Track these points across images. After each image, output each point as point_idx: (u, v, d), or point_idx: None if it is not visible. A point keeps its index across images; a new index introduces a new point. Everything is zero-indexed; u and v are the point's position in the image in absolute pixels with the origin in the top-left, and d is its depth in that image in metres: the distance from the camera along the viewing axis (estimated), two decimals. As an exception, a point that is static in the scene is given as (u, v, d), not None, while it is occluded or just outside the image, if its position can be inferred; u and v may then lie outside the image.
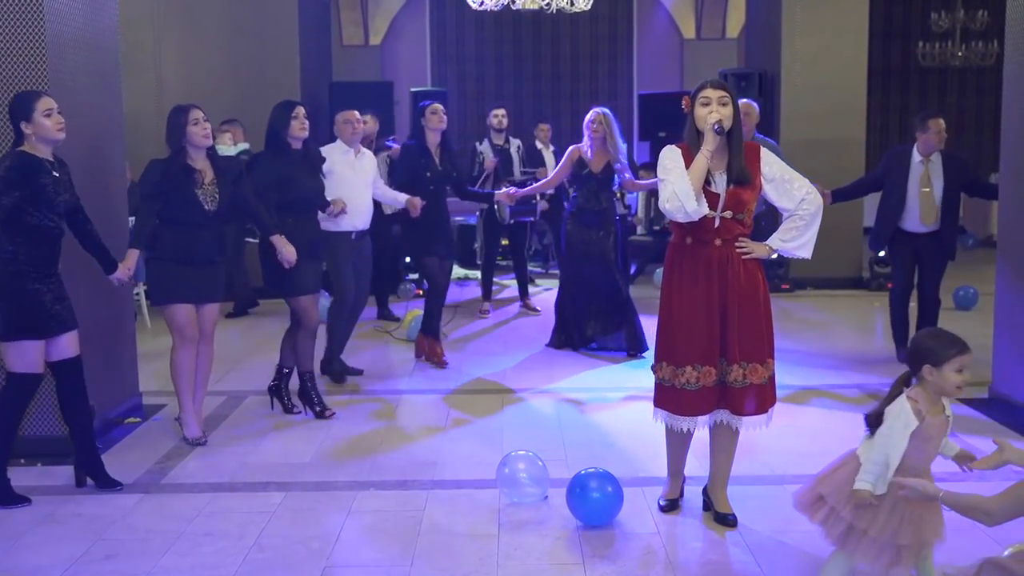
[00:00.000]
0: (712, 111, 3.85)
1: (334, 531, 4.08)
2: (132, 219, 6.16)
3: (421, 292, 9.86)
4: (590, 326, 7.29)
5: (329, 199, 5.90)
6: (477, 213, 9.57)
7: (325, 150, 6.10)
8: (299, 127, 5.59)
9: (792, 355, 7.18)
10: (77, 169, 4.83)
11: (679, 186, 3.80)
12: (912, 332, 6.62)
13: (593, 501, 4.06)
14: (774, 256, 4.10)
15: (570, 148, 7.14)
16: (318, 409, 5.72)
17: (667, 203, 3.84)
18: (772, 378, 4.06)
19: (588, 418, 5.72)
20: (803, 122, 10.09)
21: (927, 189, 6.57)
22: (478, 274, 9.92)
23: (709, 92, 3.90)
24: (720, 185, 3.90)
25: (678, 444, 4.17)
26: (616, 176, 7.08)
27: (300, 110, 5.64)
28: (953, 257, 6.81)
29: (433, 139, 6.76)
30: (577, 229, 7.12)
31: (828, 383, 6.46)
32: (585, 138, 7.05)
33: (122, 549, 3.92)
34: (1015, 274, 5.72)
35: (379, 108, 9.00)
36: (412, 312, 7.93)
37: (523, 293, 9.22)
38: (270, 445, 5.27)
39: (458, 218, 11.36)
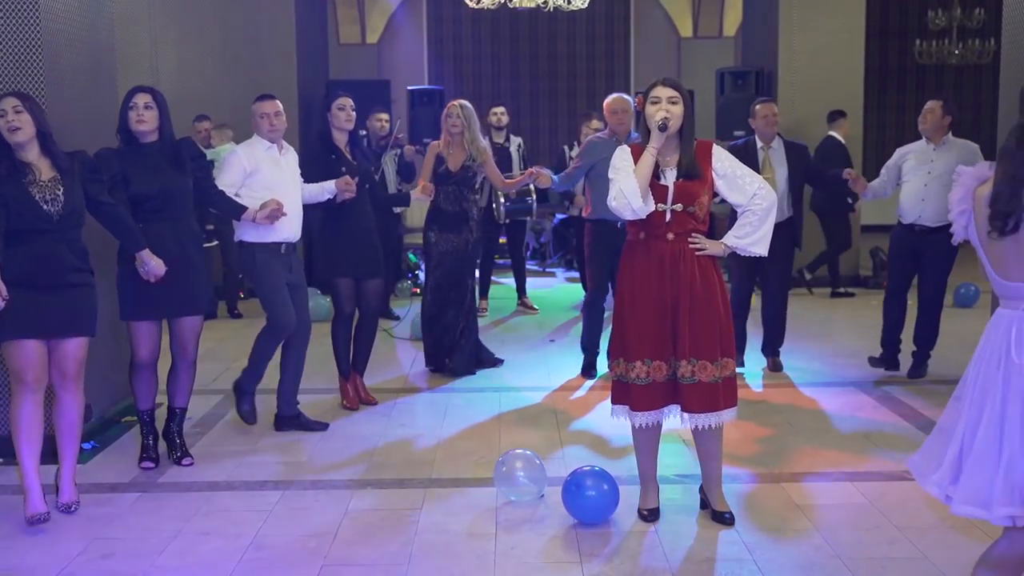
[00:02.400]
0: (660, 109, 3.89)
1: (331, 530, 4.08)
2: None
3: (418, 291, 9.88)
4: (434, 347, 6.74)
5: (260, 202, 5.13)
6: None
7: (241, 148, 5.35)
8: (136, 118, 4.64)
9: (789, 353, 7.19)
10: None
11: (625, 184, 3.85)
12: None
13: (589, 499, 4.06)
14: (727, 253, 4.07)
15: (431, 144, 6.71)
16: (178, 455, 4.93)
17: (614, 201, 3.90)
18: (730, 379, 4.02)
19: (585, 417, 5.72)
20: (800, 120, 10.10)
21: (769, 176, 6.40)
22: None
23: (660, 91, 3.94)
24: (669, 179, 3.93)
25: (644, 447, 4.13)
26: (477, 176, 6.59)
27: (140, 98, 4.67)
28: (800, 247, 6.74)
29: (340, 138, 5.85)
30: (435, 233, 6.59)
31: (826, 381, 6.47)
32: (443, 133, 6.62)
33: (119, 548, 3.92)
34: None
35: (376, 107, 8.99)
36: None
37: (521, 291, 9.23)
38: (267, 444, 5.27)
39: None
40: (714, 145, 4.06)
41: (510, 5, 10.54)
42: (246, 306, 8.85)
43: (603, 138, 6.50)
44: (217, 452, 5.13)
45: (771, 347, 6.81)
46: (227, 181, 5.22)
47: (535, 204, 8.69)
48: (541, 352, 7.39)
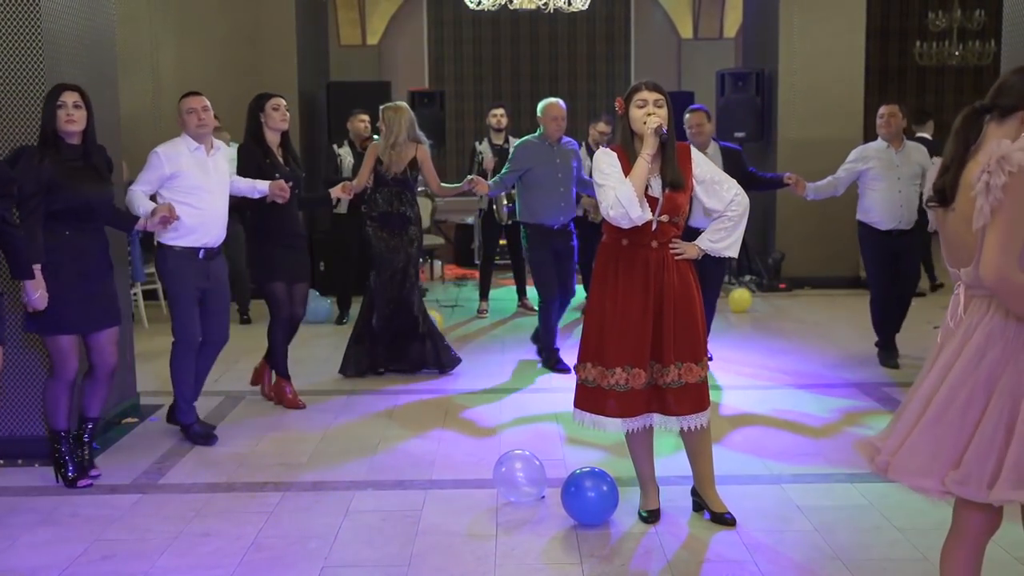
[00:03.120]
0: (649, 113, 3.86)
1: (332, 531, 4.08)
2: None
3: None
4: (388, 347, 6.69)
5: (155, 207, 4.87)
6: (476, 213, 9.57)
7: (163, 148, 5.07)
8: (65, 117, 4.43)
9: (789, 354, 7.20)
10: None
11: (622, 192, 3.80)
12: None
13: (588, 500, 4.06)
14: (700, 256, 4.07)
15: (371, 144, 6.61)
16: (71, 475, 4.60)
17: (611, 210, 3.83)
18: (705, 381, 4.03)
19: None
20: (800, 122, 10.11)
21: None
22: (476, 273, 9.93)
23: (645, 94, 3.90)
24: (657, 189, 3.91)
25: (638, 449, 4.13)
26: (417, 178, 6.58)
27: (68, 96, 4.45)
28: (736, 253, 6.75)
29: (273, 139, 5.76)
30: (377, 235, 6.52)
31: (825, 382, 6.47)
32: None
33: (120, 549, 3.92)
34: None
35: (377, 109, 8.97)
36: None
37: (521, 292, 9.23)
38: (268, 445, 5.27)
39: (455, 218, 11.40)
40: (691, 149, 4.05)
41: (510, 7, 10.54)
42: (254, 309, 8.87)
43: (535, 142, 6.72)
44: (217, 453, 5.13)
45: None
46: (143, 180, 5.02)
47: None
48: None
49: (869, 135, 7.63)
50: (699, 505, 4.18)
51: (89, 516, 4.27)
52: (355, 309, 8.75)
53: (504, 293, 9.87)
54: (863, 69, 10.34)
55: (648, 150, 3.84)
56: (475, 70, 14.95)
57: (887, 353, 6.89)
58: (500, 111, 9.15)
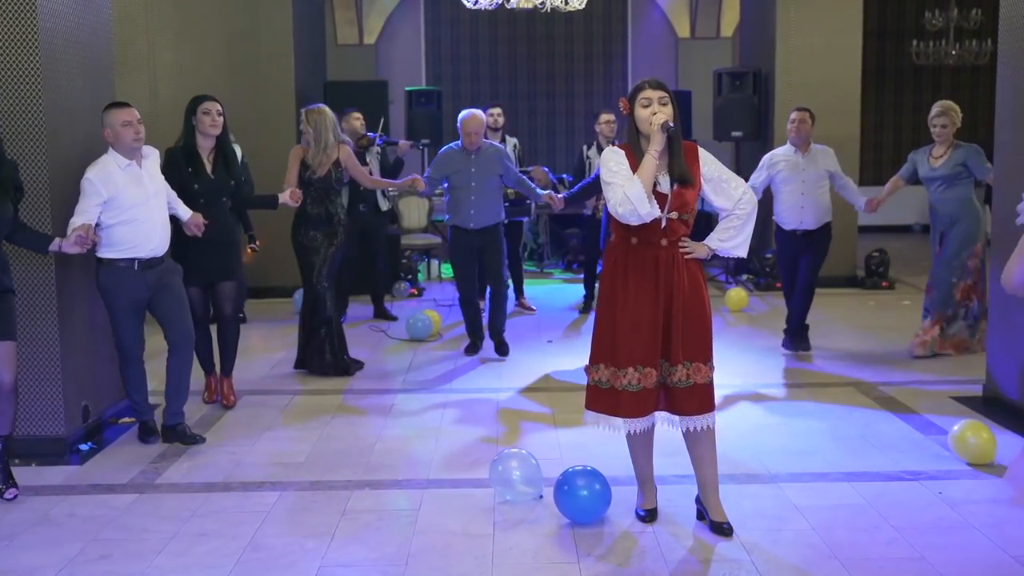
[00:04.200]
0: (654, 112, 3.85)
1: (329, 531, 4.08)
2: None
3: (416, 291, 9.89)
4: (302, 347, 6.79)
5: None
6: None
7: (94, 173, 4.82)
8: None
9: (787, 354, 7.20)
10: (70, 170, 4.82)
11: (631, 189, 3.79)
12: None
13: (581, 499, 4.06)
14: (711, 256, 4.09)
15: (295, 148, 6.59)
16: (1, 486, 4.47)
17: (620, 207, 3.81)
18: (712, 382, 4.00)
19: (583, 416, 5.70)
20: (798, 121, 10.09)
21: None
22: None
23: (649, 93, 3.89)
24: (665, 186, 3.89)
25: (639, 449, 4.11)
26: (343, 179, 6.60)
27: None
28: None
29: (205, 143, 5.68)
30: (304, 237, 6.56)
31: (823, 382, 6.47)
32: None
33: (117, 549, 3.92)
34: (1009, 272, 5.72)
35: (374, 108, 8.98)
36: (428, 314, 7.96)
37: (518, 292, 9.23)
38: (265, 445, 5.27)
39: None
40: (698, 147, 4.03)
41: (507, 6, 10.53)
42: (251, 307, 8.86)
43: (454, 150, 7.06)
44: (214, 453, 5.12)
45: None
46: (81, 211, 4.75)
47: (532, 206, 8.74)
48: (539, 352, 7.39)
49: (866, 134, 7.66)
50: (702, 514, 4.12)
51: (86, 516, 4.26)
52: (353, 308, 8.78)
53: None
54: (860, 68, 10.34)
55: (655, 147, 3.82)
56: (472, 69, 14.93)
57: (794, 340, 7.19)
58: (497, 111, 9.16)
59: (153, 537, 4.03)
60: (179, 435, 5.26)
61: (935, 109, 6.98)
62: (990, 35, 11.44)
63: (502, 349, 7.25)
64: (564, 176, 10.04)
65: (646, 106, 3.88)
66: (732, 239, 4.03)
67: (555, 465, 4.68)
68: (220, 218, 5.70)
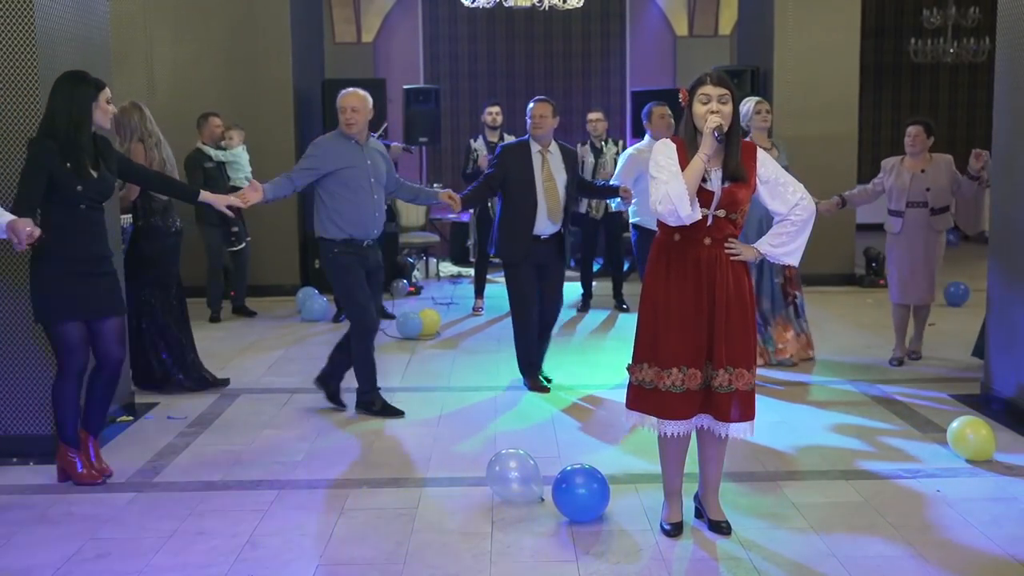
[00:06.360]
0: (712, 110, 3.72)
1: (327, 529, 4.08)
2: (124, 217, 6.15)
3: (414, 289, 9.88)
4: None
5: None
6: (471, 211, 9.58)
7: None
8: None
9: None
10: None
11: (673, 188, 3.68)
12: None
13: (579, 497, 4.06)
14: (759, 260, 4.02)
15: (133, 149, 6.07)
16: None
17: (659, 205, 3.72)
18: (754, 388, 3.92)
19: (581, 415, 5.72)
20: (795, 119, 10.10)
21: (550, 183, 6.16)
22: (471, 271, 9.92)
23: (709, 89, 3.74)
24: (715, 183, 3.78)
25: (672, 458, 3.99)
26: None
27: None
28: (566, 260, 6.46)
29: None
30: (155, 236, 6.25)
31: (821, 380, 6.47)
32: None
33: (115, 548, 3.91)
34: (1007, 270, 5.73)
35: (373, 107, 8.96)
36: (426, 313, 7.97)
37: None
38: (263, 443, 5.26)
39: (451, 216, 11.37)
40: (758, 149, 3.92)
41: (505, 4, 10.53)
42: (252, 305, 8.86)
43: (328, 140, 5.77)
44: (212, 452, 5.12)
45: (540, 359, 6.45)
46: None
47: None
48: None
49: (864, 132, 7.66)
50: (700, 512, 4.10)
51: (84, 514, 4.26)
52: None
53: (499, 291, 9.84)
54: (858, 66, 10.35)
55: (705, 150, 3.71)
56: (470, 68, 14.94)
57: None
58: (495, 109, 9.18)
59: (151, 535, 4.02)
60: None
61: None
62: (988, 33, 11.45)
63: None
64: None
65: (705, 103, 3.74)
66: (784, 245, 3.90)
67: (553, 464, 4.68)
68: (99, 231, 4.60)
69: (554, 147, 6.27)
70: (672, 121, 7.13)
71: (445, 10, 14.62)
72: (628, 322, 7.47)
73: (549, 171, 6.16)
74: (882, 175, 6.92)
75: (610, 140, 9.04)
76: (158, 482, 4.68)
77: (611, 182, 7.08)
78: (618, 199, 6.85)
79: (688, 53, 14.67)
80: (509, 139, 9.36)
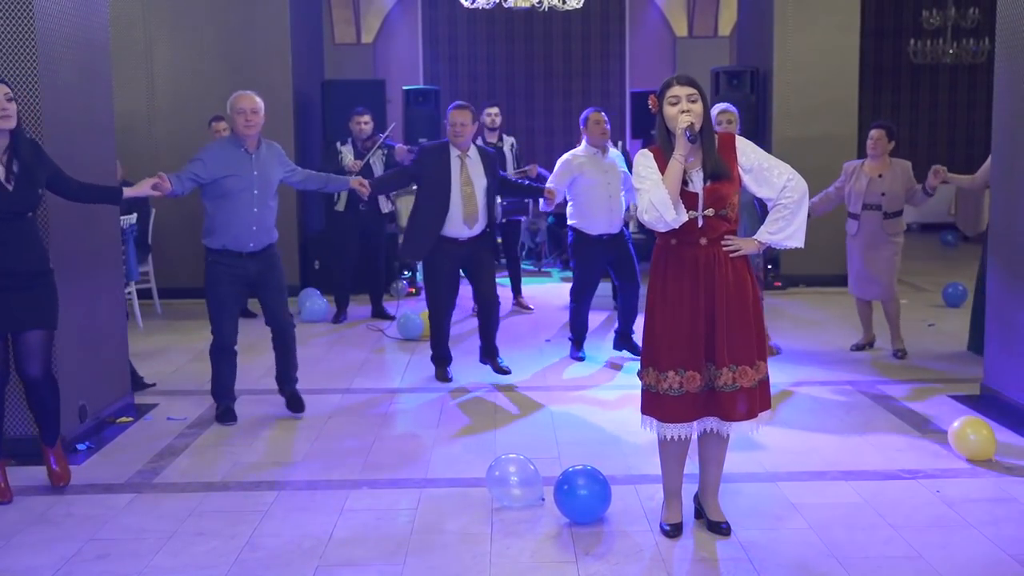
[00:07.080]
0: (683, 110, 3.73)
1: (327, 530, 4.07)
2: (124, 218, 6.15)
3: (414, 290, 9.88)
4: None
5: None
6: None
7: None
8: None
9: (783, 353, 7.19)
10: (68, 168, 4.81)
11: (655, 196, 3.69)
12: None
13: (581, 498, 4.06)
14: (762, 251, 4.02)
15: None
16: None
17: (646, 214, 3.73)
18: (764, 382, 3.90)
19: (581, 416, 5.72)
20: (795, 119, 10.11)
21: (468, 189, 6.18)
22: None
23: (678, 90, 3.75)
24: (697, 184, 3.78)
25: (672, 459, 3.99)
26: None
27: None
28: (498, 259, 6.59)
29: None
30: None
31: (820, 380, 6.47)
32: None
33: (114, 549, 3.91)
34: (1006, 270, 5.73)
35: (371, 107, 8.99)
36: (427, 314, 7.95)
37: (516, 291, 9.24)
38: (262, 445, 5.26)
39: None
40: (736, 137, 3.90)
41: (505, 5, 10.53)
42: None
43: (217, 147, 5.61)
44: (212, 453, 5.12)
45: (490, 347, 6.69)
46: None
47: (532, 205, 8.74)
48: (536, 352, 7.39)
49: (863, 133, 7.64)
50: (700, 512, 4.11)
51: (83, 516, 4.26)
52: (353, 308, 8.78)
53: (501, 292, 9.84)
54: (857, 67, 10.34)
55: (680, 151, 3.71)
56: (470, 69, 14.95)
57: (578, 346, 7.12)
58: (494, 110, 9.19)
59: (151, 537, 4.02)
60: None
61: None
62: (988, 34, 11.46)
63: None
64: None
65: (674, 104, 3.74)
66: (782, 230, 3.87)
67: (553, 465, 4.68)
68: (25, 240, 4.35)
69: (473, 151, 6.29)
70: (607, 128, 6.98)
71: (445, 11, 14.63)
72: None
73: (468, 176, 6.18)
74: (842, 178, 7.14)
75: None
76: (158, 483, 4.68)
77: (547, 184, 6.95)
78: (543, 199, 6.79)
79: (688, 54, 14.68)
80: (508, 140, 9.41)
